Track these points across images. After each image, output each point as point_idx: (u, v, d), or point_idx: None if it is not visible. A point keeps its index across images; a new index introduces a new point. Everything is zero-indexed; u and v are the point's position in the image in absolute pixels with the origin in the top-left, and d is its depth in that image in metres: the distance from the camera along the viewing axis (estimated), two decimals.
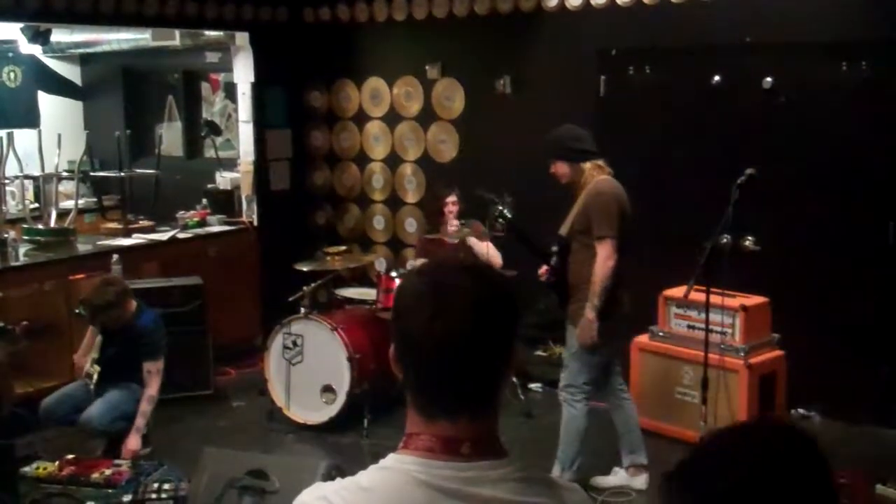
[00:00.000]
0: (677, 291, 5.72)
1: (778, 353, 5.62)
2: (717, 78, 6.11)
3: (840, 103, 5.73)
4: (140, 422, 5.48)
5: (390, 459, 1.49)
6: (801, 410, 6.01)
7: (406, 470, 1.46)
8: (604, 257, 4.66)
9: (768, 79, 5.89)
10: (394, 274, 6.20)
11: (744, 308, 5.46)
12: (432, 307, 1.45)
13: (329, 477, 4.13)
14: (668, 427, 5.69)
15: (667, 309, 5.78)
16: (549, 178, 4.94)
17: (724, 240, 5.05)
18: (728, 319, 5.40)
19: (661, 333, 5.78)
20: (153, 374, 5.54)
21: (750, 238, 5.93)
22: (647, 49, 6.40)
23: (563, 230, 4.87)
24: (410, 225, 7.76)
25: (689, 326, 5.63)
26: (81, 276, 6.52)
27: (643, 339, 5.87)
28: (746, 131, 6.02)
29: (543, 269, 5.00)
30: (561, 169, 4.84)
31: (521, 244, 5.86)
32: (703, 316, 5.14)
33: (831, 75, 5.75)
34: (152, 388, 5.53)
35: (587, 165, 4.78)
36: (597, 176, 4.76)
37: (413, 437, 1.49)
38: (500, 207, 5.74)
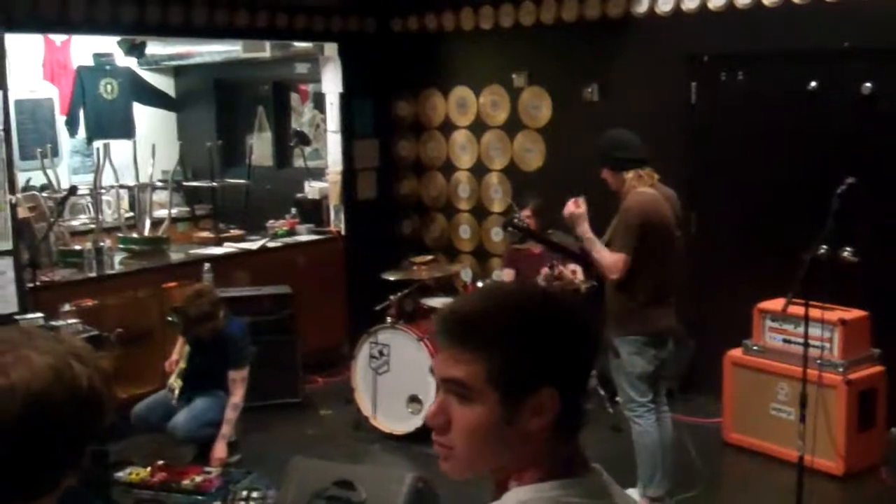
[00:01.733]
0: (773, 304, 5.58)
1: (878, 368, 5.42)
2: (813, 84, 5.93)
3: None
4: (226, 429, 5.56)
5: (524, 494, 1.42)
6: None
7: (551, 497, 1.40)
8: (609, 264, 4.64)
9: (867, 84, 5.70)
10: (480, 284, 6.15)
11: (843, 322, 5.27)
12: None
13: (415, 489, 4.13)
14: (763, 444, 5.56)
15: (762, 322, 5.62)
16: None
17: (822, 251, 4.90)
18: (826, 333, 5.22)
19: (755, 347, 5.62)
20: (237, 382, 5.61)
21: (849, 249, 5.73)
22: (739, 55, 6.25)
23: (604, 241, 4.80)
24: (497, 234, 7.72)
25: (785, 340, 5.46)
26: (174, 284, 6.64)
27: (736, 353, 5.72)
28: (844, 139, 5.83)
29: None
30: (606, 176, 4.76)
31: (552, 250, 5.82)
32: (799, 329, 4.98)
33: None
34: (237, 396, 5.60)
35: (629, 175, 4.66)
36: (636, 186, 4.64)
37: (535, 467, 1.43)
38: (512, 216, 5.70)
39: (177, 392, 5.65)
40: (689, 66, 6.44)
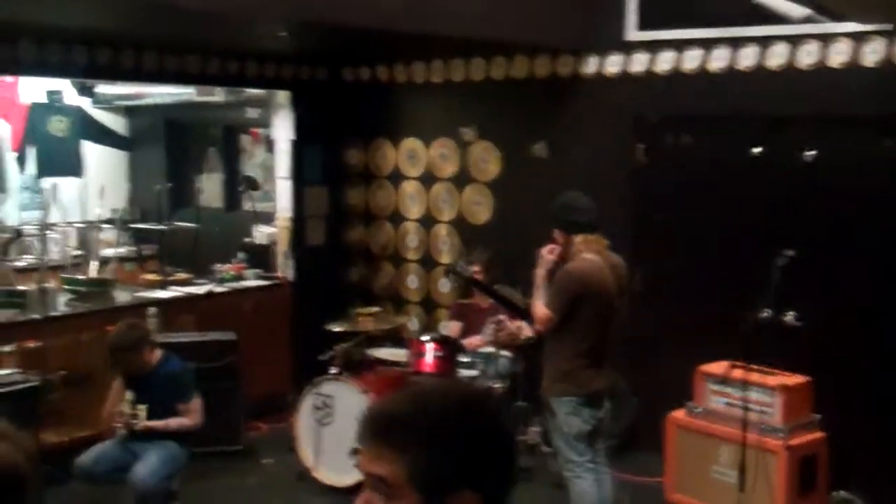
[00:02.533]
0: (715, 367, 5.65)
1: (819, 434, 5.49)
2: (757, 149, 6.06)
3: (884, 179, 5.65)
4: (172, 424, 5.38)
5: None
6: (842, 493, 5.86)
7: None
8: (537, 316, 4.76)
9: (809, 152, 5.85)
10: (425, 338, 6.17)
11: (784, 387, 5.34)
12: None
13: None
14: None
15: (704, 385, 5.68)
16: None
17: (765, 314, 4.99)
18: (768, 398, 5.29)
19: (697, 410, 5.68)
20: (190, 412, 5.47)
21: (792, 314, 5.83)
22: (686, 117, 6.38)
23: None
24: (444, 285, 7.75)
25: (728, 404, 5.51)
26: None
27: (679, 414, 5.77)
28: (787, 205, 5.96)
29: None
30: (557, 236, 4.84)
31: (497, 301, 5.87)
32: (741, 393, 5.05)
33: (875, 150, 5.68)
34: (193, 420, 5.46)
35: (578, 238, 4.76)
36: (583, 251, 4.73)
37: None
38: (456, 262, 5.75)
39: (139, 418, 5.35)
40: (637, 127, 6.56)
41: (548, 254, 4.83)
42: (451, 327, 6.89)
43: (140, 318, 6.52)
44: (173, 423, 5.39)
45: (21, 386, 4.26)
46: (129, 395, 5.45)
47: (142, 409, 5.35)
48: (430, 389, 1.58)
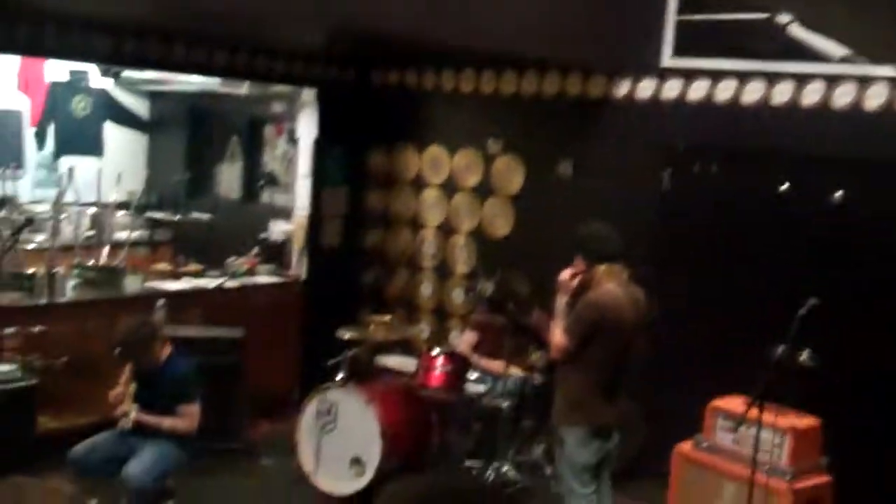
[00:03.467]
0: (726, 402, 5.58)
1: (825, 478, 5.40)
2: (784, 186, 5.98)
3: None
4: (165, 423, 5.31)
5: None
6: None
7: None
8: (555, 342, 4.70)
9: (839, 193, 5.76)
10: (435, 352, 6.11)
11: (794, 429, 5.27)
12: None
13: None
14: None
15: (714, 420, 5.60)
16: None
17: (780, 351, 4.91)
18: (777, 439, 5.21)
19: (705, 444, 5.61)
20: (186, 415, 5.41)
21: (806, 352, 5.75)
22: (715, 147, 6.29)
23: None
24: (458, 296, 7.68)
25: (735, 441, 5.44)
26: (125, 317, 6.50)
27: (686, 446, 5.69)
28: (812, 244, 5.87)
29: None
30: (579, 264, 4.78)
31: (516, 326, 5.81)
32: (750, 431, 4.96)
33: None
34: (186, 424, 5.39)
35: (601, 268, 4.69)
36: (605, 281, 4.68)
37: None
38: (485, 286, 5.69)
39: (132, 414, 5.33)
40: (664, 154, 6.47)
41: (569, 279, 4.76)
42: (465, 338, 6.83)
43: (148, 308, 6.49)
44: (166, 422, 5.32)
45: (20, 384, 4.18)
46: (132, 387, 5.41)
47: (133, 406, 5.31)
48: None
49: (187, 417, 5.41)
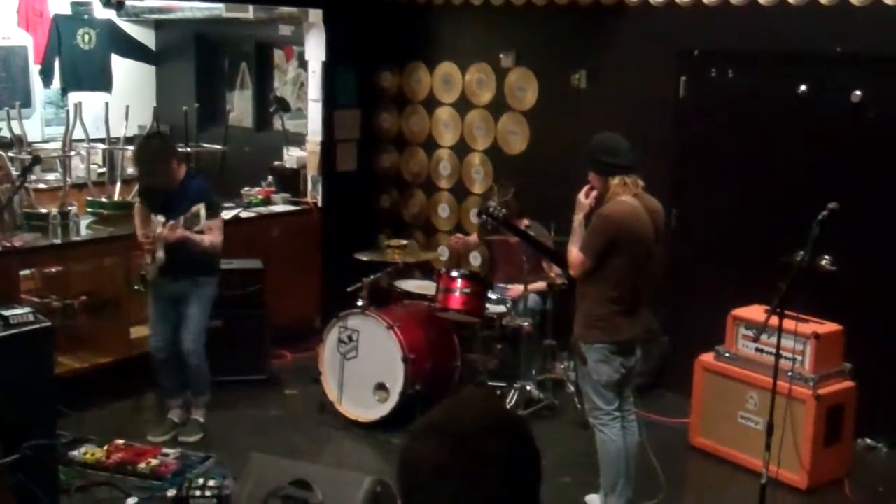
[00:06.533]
0: (747, 311, 5.53)
1: (849, 383, 5.36)
2: (803, 87, 5.80)
3: None
4: (206, 241, 5.39)
5: None
6: (867, 440, 5.78)
7: None
8: (571, 260, 4.61)
9: (857, 92, 5.58)
10: (455, 273, 6.05)
11: (816, 335, 5.21)
12: (457, 485, 1.28)
13: (373, 494, 4.06)
14: (729, 451, 5.52)
15: (735, 329, 5.55)
16: None
17: (799, 257, 4.81)
18: (799, 346, 5.16)
19: (727, 354, 5.56)
20: (216, 228, 5.50)
21: (827, 258, 5.66)
22: (731, 52, 6.11)
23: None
24: (475, 215, 7.59)
25: (758, 350, 5.39)
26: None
27: (708, 357, 5.66)
28: (831, 145, 5.73)
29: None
30: (592, 179, 4.65)
31: (527, 244, 5.73)
32: (772, 339, 4.91)
33: None
34: (218, 237, 5.52)
35: (614, 181, 4.54)
36: (620, 194, 4.53)
37: None
38: (488, 204, 5.60)
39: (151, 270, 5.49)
40: (679, 60, 6.30)
41: (584, 198, 4.66)
42: (479, 256, 6.81)
43: None
44: (206, 239, 5.42)
45: (34, 326, 4.17)
46: (160, 218, 5.38)
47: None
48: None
49: (217, 231, 5.52)
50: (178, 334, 5.62)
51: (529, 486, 1.33)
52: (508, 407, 5.90)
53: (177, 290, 5.59)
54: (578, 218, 4.68)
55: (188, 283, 5.57)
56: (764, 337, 5.19)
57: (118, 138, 7.59)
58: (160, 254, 5.35)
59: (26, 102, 8.29)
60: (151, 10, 8.86)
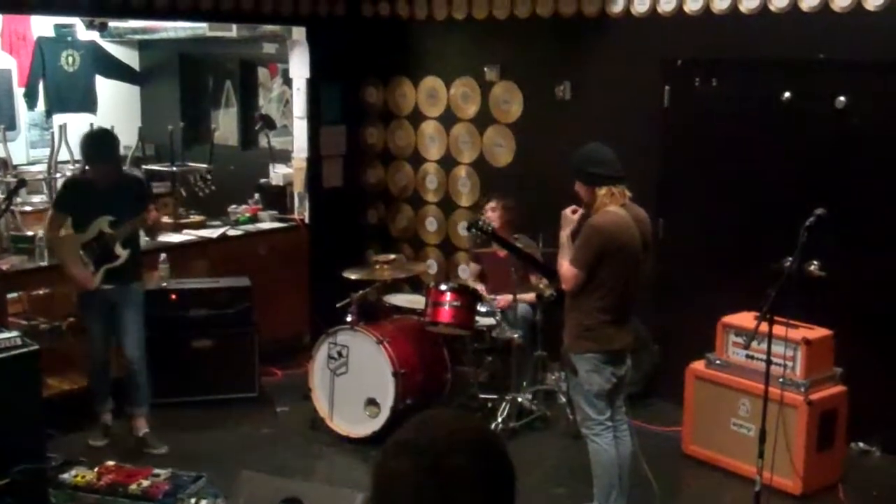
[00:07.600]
0: (737, 318, 5.53)
1: (840, 388, 5.37)
2: (787, 94, 5.83)
3: None
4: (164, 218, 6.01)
5: None
6: (861, 445, 5.79)
7: None
8: (563, 274, 4.59)
9: (841, 98, 5.61)
10: (444, 287, 6.04)
11: (806, 341, 5.21)
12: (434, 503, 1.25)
13: None
14: (722, 458, 5.51)
15: (725, 337, 5.55)
16: None
17: (788, 263, 4.82)
18: (790, 352, 5.15)
19: (718, 362, 5.56)
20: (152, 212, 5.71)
21: (815, 263, 5.67)
22: (714, 60, 6.14)
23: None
24: (464, 228, 7.59)
25: (749, 356, 5.39)
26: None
27: (699, 365, 5.66)
28: (816, 152, 5.76)
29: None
30: (579, 189, 4.65)
31: (516, 256, 5.75)
32: (763, 346, 4.90)
33: None
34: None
35: (601, 191, 4.54)
36: (607, 204, 4.53)
37: None
38: (477, 217, 5.62)
39: (99, 276, 5.55)
40: (663, 70, 6.32)
41: (571, 214, 4.66)
42: (470, 269, 6.82)
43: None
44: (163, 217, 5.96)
45: (22, 350, 4.14)
46: (106, 219, 5.49)
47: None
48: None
49: (153, 213, 5.75)
50: (113, 342, 5.75)
51: (506, 502, 1.32)
52: (500, 419, 5.90)
53: (110, 296, 5.63)
54: (565, 233, 4.66)
55: (119, 288, 5.64)
56: (754, 343, 5.17)
57: None
58: (119, 250, 5.52)
59: (11, 125, 8.26)
60: (135, 31, 8.85)
